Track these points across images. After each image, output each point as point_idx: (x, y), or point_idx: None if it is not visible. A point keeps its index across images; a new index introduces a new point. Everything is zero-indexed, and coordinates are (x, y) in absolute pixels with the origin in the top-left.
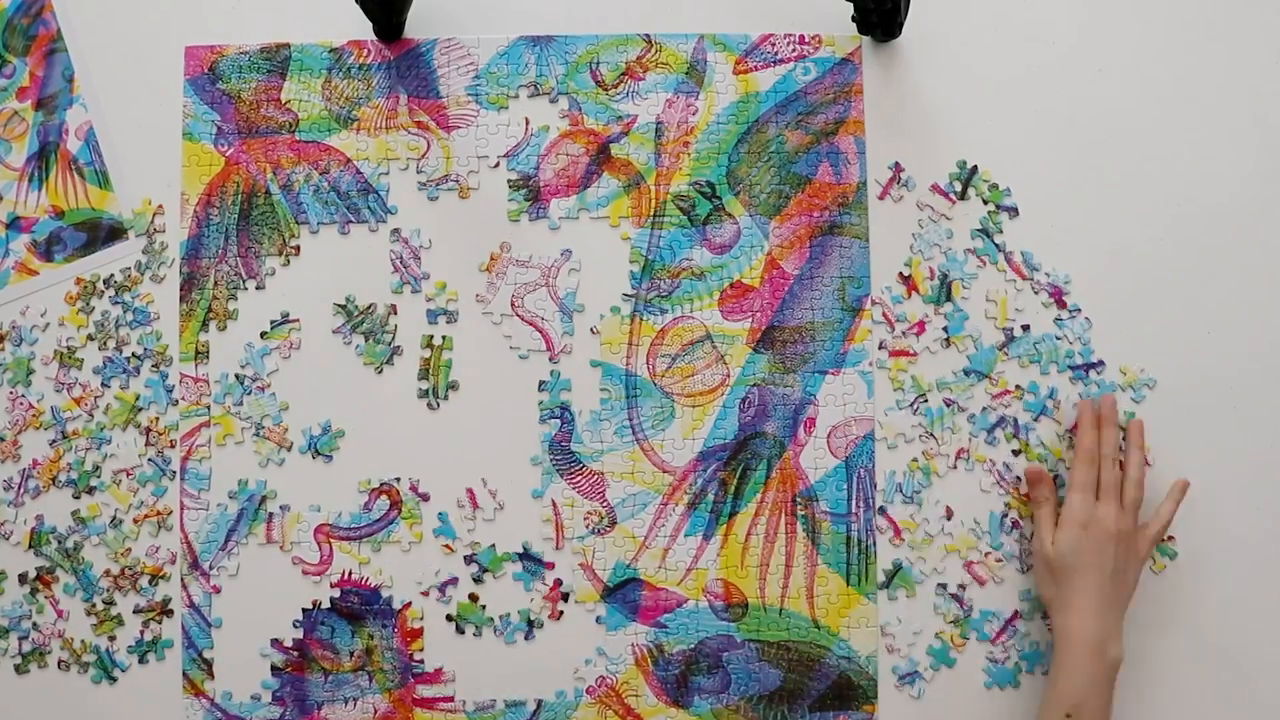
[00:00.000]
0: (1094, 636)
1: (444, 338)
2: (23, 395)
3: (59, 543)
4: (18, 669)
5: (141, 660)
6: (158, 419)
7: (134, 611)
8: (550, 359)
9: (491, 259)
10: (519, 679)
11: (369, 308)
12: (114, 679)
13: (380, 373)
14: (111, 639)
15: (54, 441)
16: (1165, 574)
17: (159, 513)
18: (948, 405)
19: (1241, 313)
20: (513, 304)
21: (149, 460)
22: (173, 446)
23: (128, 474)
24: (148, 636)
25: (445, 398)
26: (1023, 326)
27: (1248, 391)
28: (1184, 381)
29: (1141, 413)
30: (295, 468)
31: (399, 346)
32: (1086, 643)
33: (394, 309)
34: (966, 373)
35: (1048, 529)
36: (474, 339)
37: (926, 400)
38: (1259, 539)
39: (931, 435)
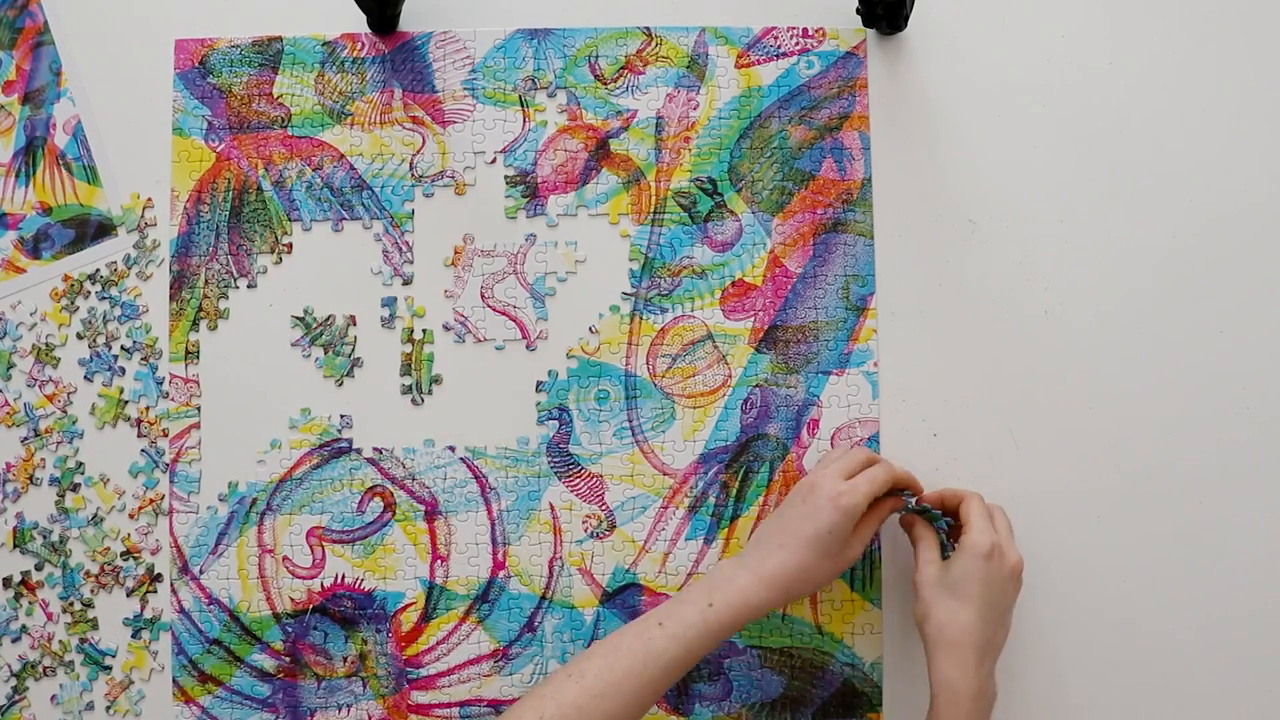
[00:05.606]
0: (974, 687)
1: (424, 331)
2: (3, 393)
3: (44, 538)
4: (16, 689)
5: (133, 643)
6: (148, 409)
7: (124, 622)
8: (528, 346)
9: (455, 252)
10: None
11: (328, 319)
12: (105, 687)
13: (341, 385)
14: (100, 646)
15: (24, 439)
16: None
17: (151, 500)
18: None
19: (1256, 313)
20: (482, 295)
21: (141, 451)
22: (165, 436)
23: (116, 475)
24: (143, 639)
25: (429, 392)
26: None
27: (1260, 392)
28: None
29: None
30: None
31: (359, 359)
32: (970, 696)
33: (353, 320)
34: None
35: (934, 556)
36: (451, 335)
37: None
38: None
39: None
